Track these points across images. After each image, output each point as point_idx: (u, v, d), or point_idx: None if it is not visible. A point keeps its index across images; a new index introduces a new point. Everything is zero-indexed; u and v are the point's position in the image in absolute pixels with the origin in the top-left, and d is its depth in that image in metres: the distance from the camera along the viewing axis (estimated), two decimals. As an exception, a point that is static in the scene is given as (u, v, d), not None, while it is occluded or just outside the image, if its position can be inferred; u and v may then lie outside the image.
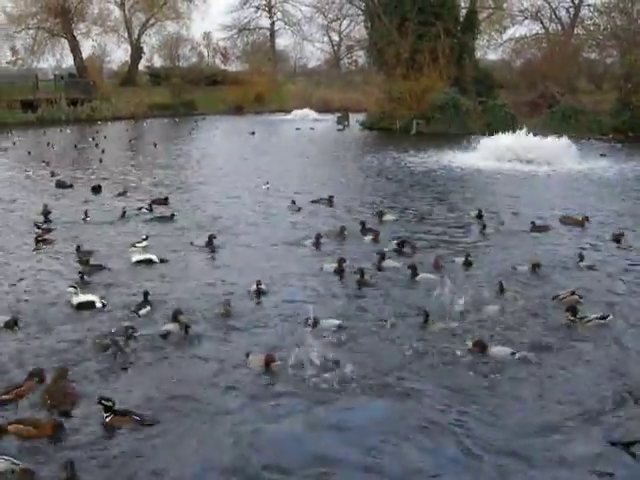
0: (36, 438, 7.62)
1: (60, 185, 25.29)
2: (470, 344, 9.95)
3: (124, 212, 19.76)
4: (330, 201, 21.51)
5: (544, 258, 14.53)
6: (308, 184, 26.01)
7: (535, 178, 27.90)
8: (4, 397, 8.49)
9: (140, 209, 20.43)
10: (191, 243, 16.44)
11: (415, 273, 13.35)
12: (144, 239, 16.16)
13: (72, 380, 8.97)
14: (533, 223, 17.91)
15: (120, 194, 23.24)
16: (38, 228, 17.55)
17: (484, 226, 17.81)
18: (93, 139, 43.86)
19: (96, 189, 24.33)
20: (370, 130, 52.34)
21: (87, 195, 23.49)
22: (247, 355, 9.64)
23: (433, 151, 36.45)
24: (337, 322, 10.87)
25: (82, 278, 13.22)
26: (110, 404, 8.06)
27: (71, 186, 25.27)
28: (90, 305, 11.84)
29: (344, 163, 33.63)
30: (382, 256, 14.38)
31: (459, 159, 32.65)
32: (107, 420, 7.99)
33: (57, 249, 16.05)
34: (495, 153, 31.84)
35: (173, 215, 19.60)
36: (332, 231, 17.26)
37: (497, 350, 9.86)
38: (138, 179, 27.70)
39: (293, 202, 21.00)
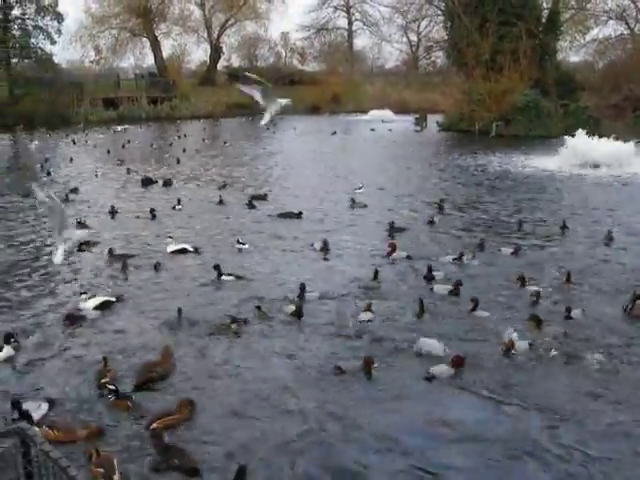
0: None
1: (145, 182, 25.89)
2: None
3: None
4: (441, 207, 20.93)
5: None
6: (397, 187, 25.74)
7: (617, 185, 26.78)
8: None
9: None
10: (311, 245, 16.41)
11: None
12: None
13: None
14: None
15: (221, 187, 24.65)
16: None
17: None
18: (179, 137, 44.40)
19: (168, 182, 25.13)
20: (448, 132, 51.72)
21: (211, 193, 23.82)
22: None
23: (514, 154, 35.71)
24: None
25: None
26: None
27: (156, 182, 25.84)
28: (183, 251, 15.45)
29: (434, 165, 33.05)
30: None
31: (542, 163, 31.80)
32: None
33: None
34: (578, 157, 30.92)
35: (301, 213, 19.71)
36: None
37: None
38: (229, 176, 28.27)
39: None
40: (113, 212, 20.22)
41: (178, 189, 24.70)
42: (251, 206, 21.15)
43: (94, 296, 12.19)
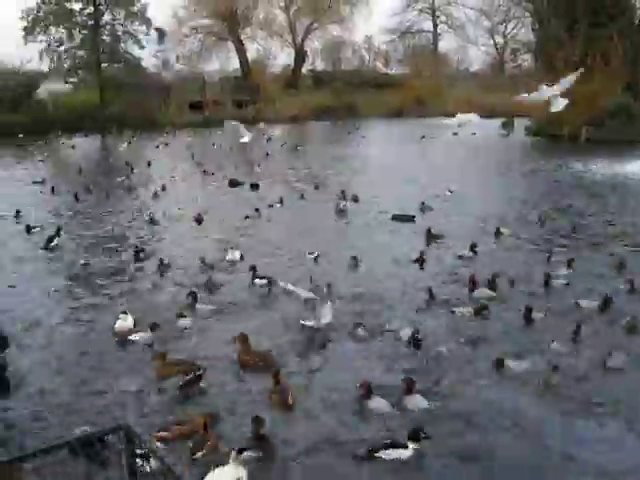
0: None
1: (233, 184, 26.14)
2: None
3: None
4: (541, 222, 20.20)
5: None
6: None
7: None
8: None
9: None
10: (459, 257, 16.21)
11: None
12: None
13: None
14: None
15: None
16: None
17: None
18: (268, 141, 44.48)
19: (254, 186, 25.19)
20: (535, 136, 50.64)
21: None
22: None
23: (607, 160, 34.65)
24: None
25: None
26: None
27: (242, 184, 26.08)
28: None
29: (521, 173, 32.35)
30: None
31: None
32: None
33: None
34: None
35: (413, 217, 19.71)
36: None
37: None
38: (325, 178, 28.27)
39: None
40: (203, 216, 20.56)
41: (264, 190, 24.88)
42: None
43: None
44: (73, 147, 45.20)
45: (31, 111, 53.72)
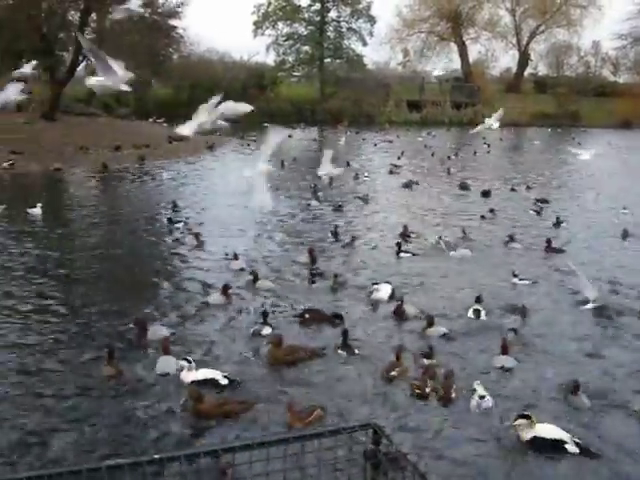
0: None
1: (463, 187, 25.47)
2: None
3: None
4: None
5: None
6: None
7: None
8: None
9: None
10: None
11: None
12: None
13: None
14: None
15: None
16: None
17: None
18: (488, 145, 43.08)
19: (486, 194, 24.09)
20: None
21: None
22: None
23: None
24: None
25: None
26: None
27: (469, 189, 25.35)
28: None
29: None
30: None
31: None
32: None
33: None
34: None
35: None
36: None
37: None
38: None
39: None
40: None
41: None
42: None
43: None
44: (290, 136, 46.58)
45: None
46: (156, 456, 3.13)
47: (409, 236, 16.65)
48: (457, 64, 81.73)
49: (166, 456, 3.17)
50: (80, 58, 39.82)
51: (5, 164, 28.44)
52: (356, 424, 3.90)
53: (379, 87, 64.63)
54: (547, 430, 7.23)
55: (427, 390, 8.29)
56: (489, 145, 42.05)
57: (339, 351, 9.56)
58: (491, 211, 20.18)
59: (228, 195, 22.51)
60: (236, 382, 8.52)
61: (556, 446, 7.10)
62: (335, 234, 16.58)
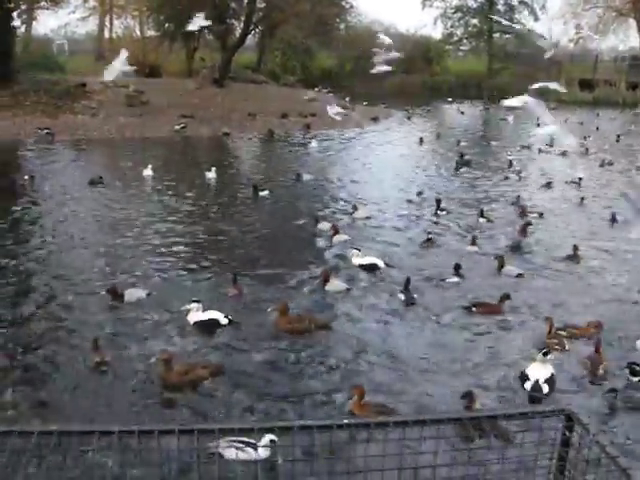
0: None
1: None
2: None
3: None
4: None
5: None
6: None
7: None
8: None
9: None
10: None
11: None
12: None
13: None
14: None
15: None
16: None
17: None
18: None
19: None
20: None
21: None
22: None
23: None
24: None
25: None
26: None
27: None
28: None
29: None
30: None
31: None
32: None
33: None
34: None
35: None
36: None
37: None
38: None
39: None
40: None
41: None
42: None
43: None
44: (462, 113, 45.85)
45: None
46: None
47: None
48: (635, 42, 77.57)
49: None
50: (250, 27, 40.56)
51: (177, 127, 29.50)
52: (547, 409, 3.77)
53: (550, 64, 62.40)
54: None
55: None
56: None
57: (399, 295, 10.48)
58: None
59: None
60: (235, 322, 9.41)
61: None
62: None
